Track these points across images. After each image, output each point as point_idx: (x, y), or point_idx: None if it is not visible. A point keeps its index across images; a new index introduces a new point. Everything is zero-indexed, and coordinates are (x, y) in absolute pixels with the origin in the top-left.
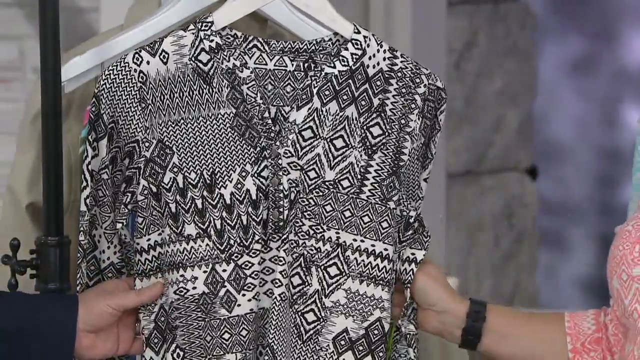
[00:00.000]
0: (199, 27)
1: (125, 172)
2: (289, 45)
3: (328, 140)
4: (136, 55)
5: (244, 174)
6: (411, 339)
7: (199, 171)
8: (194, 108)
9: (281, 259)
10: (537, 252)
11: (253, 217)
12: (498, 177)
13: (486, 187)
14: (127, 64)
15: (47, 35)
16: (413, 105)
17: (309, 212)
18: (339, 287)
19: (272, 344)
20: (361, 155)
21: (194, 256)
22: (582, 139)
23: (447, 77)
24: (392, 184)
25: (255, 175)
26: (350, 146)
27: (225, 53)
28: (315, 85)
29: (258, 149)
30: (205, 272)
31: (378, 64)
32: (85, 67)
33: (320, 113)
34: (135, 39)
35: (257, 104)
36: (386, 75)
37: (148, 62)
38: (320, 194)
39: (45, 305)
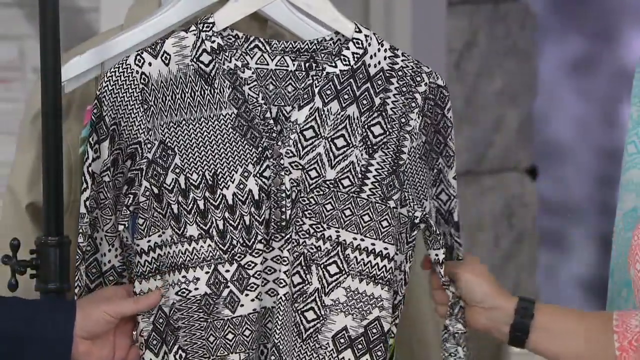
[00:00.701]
0: (200, 28)
1: (127, 174)
2: (290, 45)
3: (329, 139)
4: (138, 57)
5: (246, 174)
6: (459, 338)
7: (201, 172)
8: (195, 109)
9: (284, 258)
10: (537, 252)
11: (256, 217)
12: (498, 177)
13: (486, 187)
14: (129, 66)
15: (47, 35)
16: (413, 104)
17: (309, 211)
18: (338, 285)
19: (279, 343)
20: (362, 155)
21: (195, 257)
22: (582, 139)
23: (447, 77)
24: (392, 183)
25: (258, 175)
26: (351, 145)
27: (226, 54)
28: (317, 84)
29: (260, 149)
30: (207, 272)
31: (379, 62)
32: (85, 67)
33: (322, 112)
34: (136, 39)
35: (259, 104)
36: (387, 74)
37: (150, 64)
38: (321, 193)
39: (44, 310)
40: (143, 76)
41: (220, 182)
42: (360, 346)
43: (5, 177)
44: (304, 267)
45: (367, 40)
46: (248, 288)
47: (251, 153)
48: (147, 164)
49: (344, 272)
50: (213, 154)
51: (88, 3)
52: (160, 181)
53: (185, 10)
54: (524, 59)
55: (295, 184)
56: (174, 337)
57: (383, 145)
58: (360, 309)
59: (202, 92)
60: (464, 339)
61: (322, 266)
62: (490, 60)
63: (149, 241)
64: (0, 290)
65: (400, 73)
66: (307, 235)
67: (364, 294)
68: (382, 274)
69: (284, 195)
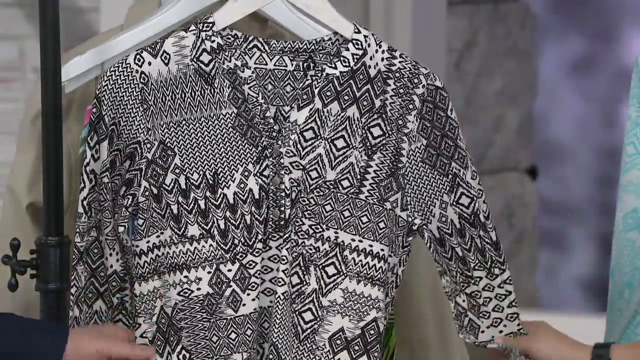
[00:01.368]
0: (200, 27)
1: (125, 176)
2: (289, 45)
3: (329, 140)
4: (138, 56)
5: (246, 173)
6: None
7: (201, 172)
8: (195, 109)
9: (283, 257)
10: (537, 252)
11: (256, 216)
12: (498, 177)
13: (486, 187)
14: (128, 65)
15: (47, 35)
16: (411, 106)
17: (309, 212)
18: (336, 286)
19: (277, 343)
20: (361, 156)
21: (197, 257)
22: (582, 139)
23: (447, 77)
24: (389, 185)
25: (258, 174)
26: (351, 146)
27: (226, 53)
28: (317, 85)
29: (260, 148)
30: (209, 272)
31: (377, 64)
32: (85, 67)
33: (322, 114)
34: (136, 39)
35: (259, 103)
36: (384, 76)
37: (150, 63)
38: (321, 193)
39: (35, 334)
40: (143, 75)
41: (221, 182)
42: (357, 347)
43: (5, 177)
44: (303, 268)
45: (366, 41)
46: (249, 287)
47: (251, 152)
48: (146, 164)
49: (341, 273)
50: (213, 154)
51: (88, 3)
52: (160, 181)
53: (185, 10)
54: (524, 59)
55: (295, 184)
56: (177, 337)
57: (382, 147)
58: (357, 311)
59: (202, 92)
60: None
61: (320, 267)
62: (490, 60)
63: (148, 242)
64: (0, 291)
65: (397, 74)
66: (306, 236)
67: (361, 296)
68: (379, 275)
69: (283, 194)
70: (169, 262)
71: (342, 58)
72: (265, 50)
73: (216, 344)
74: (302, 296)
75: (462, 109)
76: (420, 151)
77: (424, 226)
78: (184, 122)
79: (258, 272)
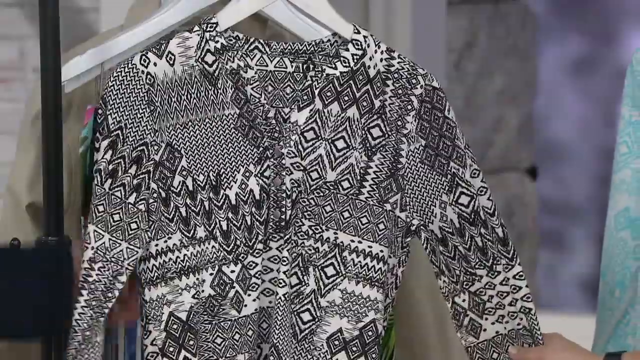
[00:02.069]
0: (204, 28)
1: (131, 182)
2: (289, 47)
3: (330, 141)
4: (143, 57)
5: (247, 174)
6: None
7: (206, 173)
8: (200, 110)
9: (284, 258)
10: (537, 252)
11: (256, 217)
12: (498, 177)
13: None
14: (134, 66)
15: (47, 35)
16: (409, 107)
17: (309, 212)
18: (335, 287)
19: (277, 344)
20: (361, 157)
21: (202, 259)
22: (582, 139)
23: (447, 77)
24: (389, 185)
25: (259, 175)
26: (351, 147)
27: (229, 54)
28: (317, 86)
29: (261, 148)
30: (211, 274)
31: (376, 65)
32: (85, 67)
33: (322, 114)
34: (136, 39)
35: (261, 104)
36: (383, 77)
37: (155, 64)
38: (321, 194)
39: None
40: (149, 76)
41: (223, 183)
42: (355, 348)
43: (5, 177)
44: (302, 269)
45: (365, 42)
46: (250, 288)
47: (252, 153)
48: (154, 166)
49: (340, 274)
50: (217, 155)
51: (88, 3)
52: (167, 184)
53: (185, 10)
54: (524, 59)
55: (296, 185)
56: (195, 340)
57: (381, 148)
58: (356, 312)
59: (207, 93)
60: None
61: (319, 268)
62: (490, 60)
63: (156, 245)
64: None
65: (396, 75)
66: (306, 237)
67: (359, 297)
68: (378, 277)
69: (284, 195)
70: (179, 266)
71: (342, 58)
72: (265, 52)
73: (221, 345)
74: (301, 297)
75: (462, 109)
76: (419, 152)
77: (422, 227)
78: (189, 123)
79: (258, 272)
